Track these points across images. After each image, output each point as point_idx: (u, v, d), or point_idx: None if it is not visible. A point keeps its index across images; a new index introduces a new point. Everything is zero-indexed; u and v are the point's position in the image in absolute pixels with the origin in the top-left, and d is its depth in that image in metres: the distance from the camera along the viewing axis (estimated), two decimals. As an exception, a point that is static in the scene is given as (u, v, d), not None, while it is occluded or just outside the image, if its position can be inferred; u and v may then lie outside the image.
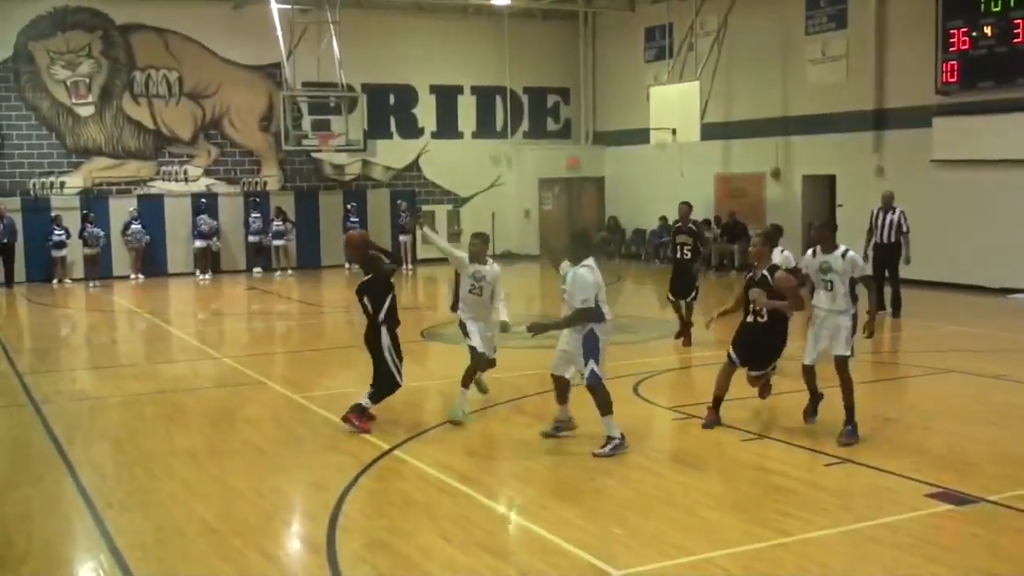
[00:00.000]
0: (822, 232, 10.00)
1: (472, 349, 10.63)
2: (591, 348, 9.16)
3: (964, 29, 21.20)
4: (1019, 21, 20.21)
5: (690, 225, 15.67)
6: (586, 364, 9.19)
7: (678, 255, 15.53)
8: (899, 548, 6.96)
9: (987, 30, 20.80)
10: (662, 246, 29.00)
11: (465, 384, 10.63)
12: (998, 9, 20.56)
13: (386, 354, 10.21)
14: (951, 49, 21.49)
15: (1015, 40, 20.30)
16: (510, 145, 32.31)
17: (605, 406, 9.23)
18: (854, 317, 9.67)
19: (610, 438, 9.23)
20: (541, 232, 31.85)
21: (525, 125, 32.88)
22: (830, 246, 9.78)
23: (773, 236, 11.50)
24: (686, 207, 15.87)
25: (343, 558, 6.87)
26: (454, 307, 11.09)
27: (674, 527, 7.43)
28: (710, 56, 25.93)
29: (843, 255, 9.64)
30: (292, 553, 7.38)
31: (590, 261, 9.30)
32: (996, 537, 7.22)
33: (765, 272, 10.07)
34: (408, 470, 8.99)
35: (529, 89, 32.69)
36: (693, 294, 15.26)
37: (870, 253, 17.67)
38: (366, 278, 10.35)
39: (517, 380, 12.33)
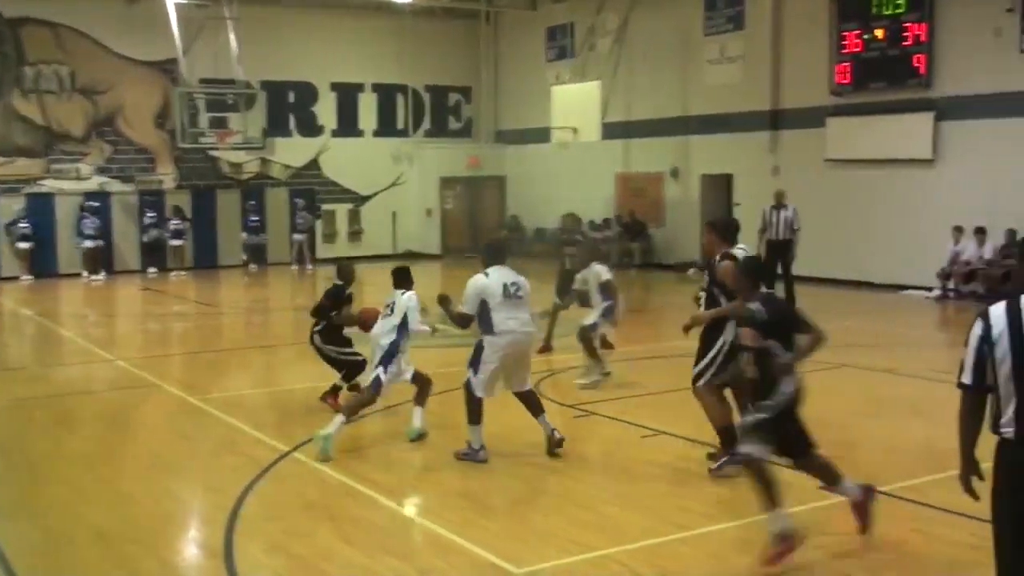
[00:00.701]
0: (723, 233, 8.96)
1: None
2: (474, 358, 8.99)
3: (857, 31, 21.71)
4: (909, 24, 20.76)
5: (576, 236, 15.88)
6: (467, 369, 9.06)
7: (566, 265, 15.54)
8: (795, 540, 7.07)
9: (879, 33, 21.33)
10: (563, 245, 29.10)
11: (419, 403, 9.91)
12: (889, 12, 21.10)
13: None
14: (844, 51, 21.99)
15: (905, 43, 20.85)
16: (411, 144, 32.16)
17: (471, 415, 9.01)
18: None
19: (470, 445, 9.04)
20: (443, 231, 31.78)
21: (427, 123, 32.77)
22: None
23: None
24: (571, 219, 16.12)
25: (241, 562, 6.75)
26: None
27: (574, 524, 7.45)
28: (611, 56, 26.16)
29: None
30: (189, 558, 7.22)
31: (491, 270, 9.10)
32: (883, 526, 7.37)
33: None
34: (306, 472, 8.87)
35: (431, 87, 32.60)
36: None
37: (763, 250, 18.08)
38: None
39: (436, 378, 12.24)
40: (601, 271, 12.45)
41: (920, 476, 8.33)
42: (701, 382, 8.58)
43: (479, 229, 32.14)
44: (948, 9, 20.30)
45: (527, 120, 30.82)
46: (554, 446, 9.21)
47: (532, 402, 9.35)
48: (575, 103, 26.14)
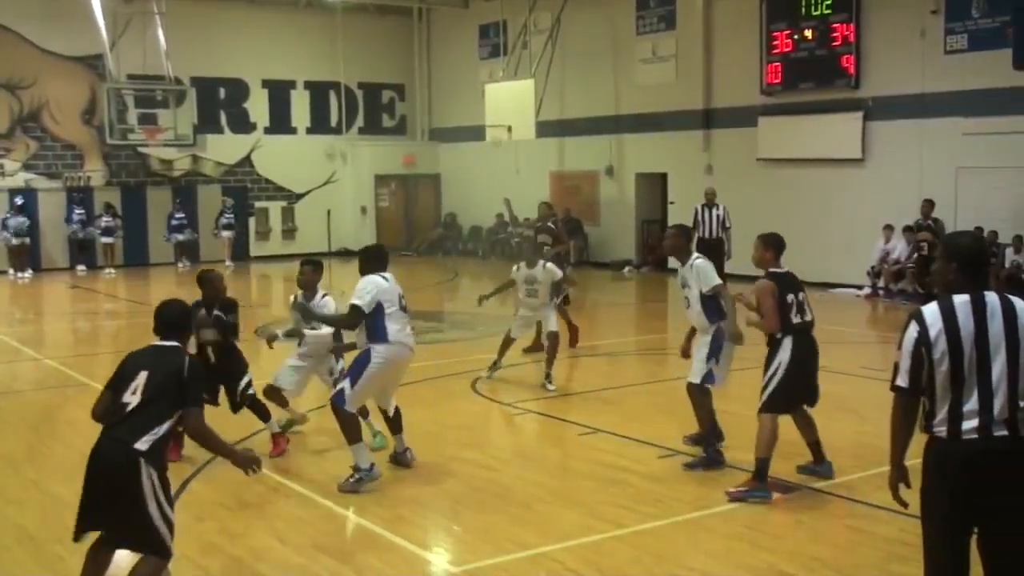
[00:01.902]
0: (675, 240, 9.02)
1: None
2: (355, 367, 8.04)
3: (787, 32, 21.97)
4: (837, 25, 21.06)
5: (549, 224, 15.68)
6: (341, 380, 8.25)
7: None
8: (729, 536, 7.14)
9: (808, 33, 21.59)
10: (498, 243, 29.19)
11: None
12: (818, 13, 21.38)
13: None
14: (774, 51, 22.24)
15: (834, 43, 21.15)
16: (345, 141, 31.95)
17: (349, 433, 8.03)
18: (716, 338, 8.65)
19: (356, 468, 8.07)
20: (377, 229, 31.62)
21: (360, 121, 32.55)
22: (685, 255, 8.95)
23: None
24: (545, 206, 16.03)
25: (175, 563, 6.63)
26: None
27: (511, 522, 7.45)
28: (544, 54, 26.18)
29: (691, 265, 8.85)
30: (119, 559, 7.09)
31: (387, 275, 8.22)
32: (819, 523, 7.50)
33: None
34: (239, 472, 8.73)
35: (364, 85, 32.39)
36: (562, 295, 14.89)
37: (694, 249, 18.17)
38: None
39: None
40: (555, 269, 12.41)
41: (851, 473, 8.43)
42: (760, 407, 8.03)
43: (414, 227, 32.07)
44: (875, 10, 20.61)
45: (461, 118, 30.76)
46: (402, 464, 8.68)
47: (395, 421, 8.64)
48: (509, 101, 26.09)
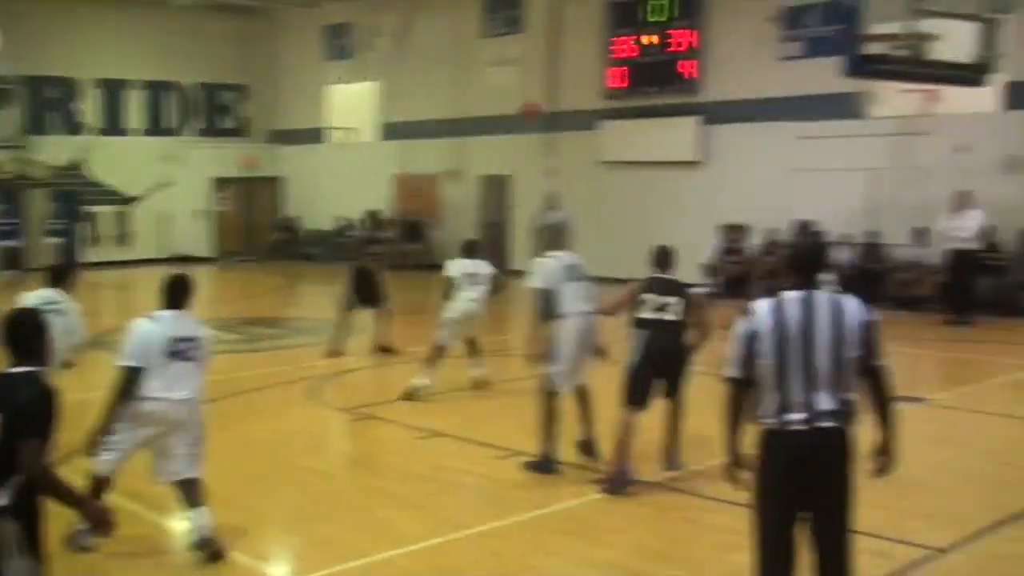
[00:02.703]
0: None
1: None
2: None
3: (629, 37, 22.32)
4: (678, 31, 21.51)
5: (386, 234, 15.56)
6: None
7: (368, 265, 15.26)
8: (569, 533, 7.16)
9: (649, 39, 21.99)
10: (340, 246, 28.85)
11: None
12: (659, 19, 21.79)
13: None
14: (617, 56, 22.57)
15: (674, 48, 21.59)
16: (183, 143, 31.05)
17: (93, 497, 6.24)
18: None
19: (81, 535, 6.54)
20: (217, 234, 30.90)
21: (199, 122, 31.73)
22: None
23: None
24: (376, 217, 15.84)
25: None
26: None
27: (351, 529, 7.32)
28: (390, 56, 26.02)
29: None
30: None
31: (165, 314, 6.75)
32: (656, 516, 7.60)
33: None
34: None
35: (203, 85, 31.56)
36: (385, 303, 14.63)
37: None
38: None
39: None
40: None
41: (687, 465, 8.55)
42: None
43: (255, 231, 31.41)
44: (714, 18, 21.12)
45: (304, 120, 30.30)
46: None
47: (189, 490, 6.88)
48: (353, 103, 25.88)
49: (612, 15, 22.64)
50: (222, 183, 31.25)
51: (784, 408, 4.66)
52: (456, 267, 11.93)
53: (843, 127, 18.79)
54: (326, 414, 11.19)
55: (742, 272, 18.92)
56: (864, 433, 4.72)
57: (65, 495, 4.55)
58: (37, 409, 4.38)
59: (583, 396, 8.85)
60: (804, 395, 4.64)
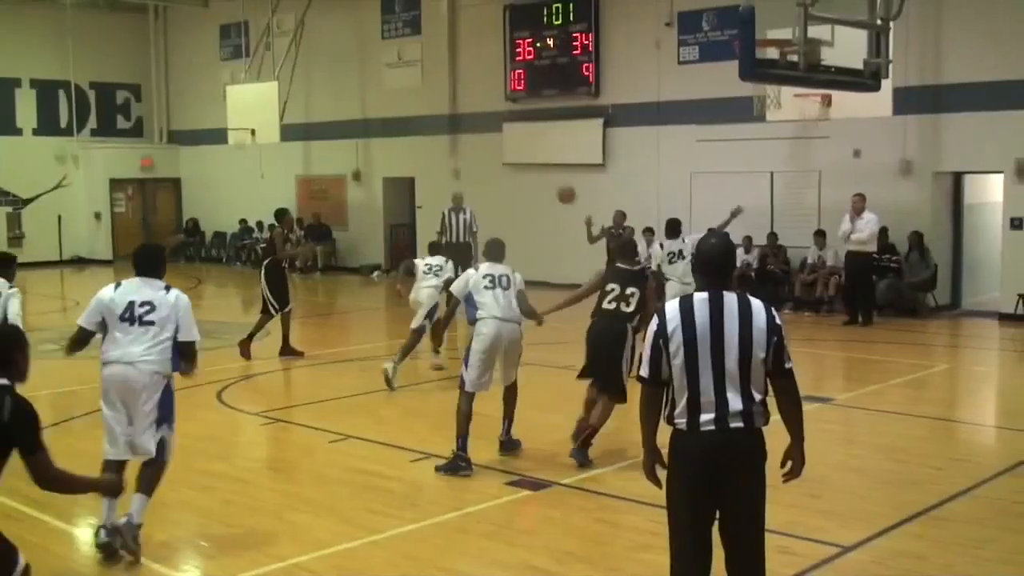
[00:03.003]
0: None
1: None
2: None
3: (529, 40, 22.46)
4: (578, 34, 21.70)
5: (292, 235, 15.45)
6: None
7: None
8: (484, 536, 7.19)
9: (550, 41, 22.16)
10: (243, 249, 28.51)
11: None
12: (559, 22, 21.97)
13: None
14: (518, 58, 22.68)
15: (575, 52, 21.78)
16: (77, 143, 30.32)
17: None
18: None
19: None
20: (113, 236, 30.26)
21: (93, 122, 30.99)
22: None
23: None
24: (276, 221, 15.72)
25: None
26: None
27: (263, 534, 7.25)
28: (288, 56, 25.73)
29: None
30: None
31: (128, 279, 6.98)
32: (569, 517, 7.66)
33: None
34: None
35: (96, 84, 30.85)
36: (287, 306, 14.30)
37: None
38: None
39: (92, 393, 11.57)
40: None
41: (602, 467, 8.65)
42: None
43: (154, 233, 30.82)
44: (613, 21, 21.37)
45: (202, 120, 29.83)
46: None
47: (142, 479, 6.88)
48: (252, 104, 25.46)
49: (513, 18, 22.75)
50: (119, 184, 30.63)
51: (694, 408, 4.70)
52: (422, 262, 13.47)
53: (742, 130, 19.14)
54: (237, 418, 11.06)
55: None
56: (773, 433, 4.82)
57: (80, 486, 5.00)
58: (23, 423, 4.48)
59: (508, 396, 9.18)
60: (714, 396, 4.68)
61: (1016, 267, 16.99)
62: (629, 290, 9.02)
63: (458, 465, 8.55)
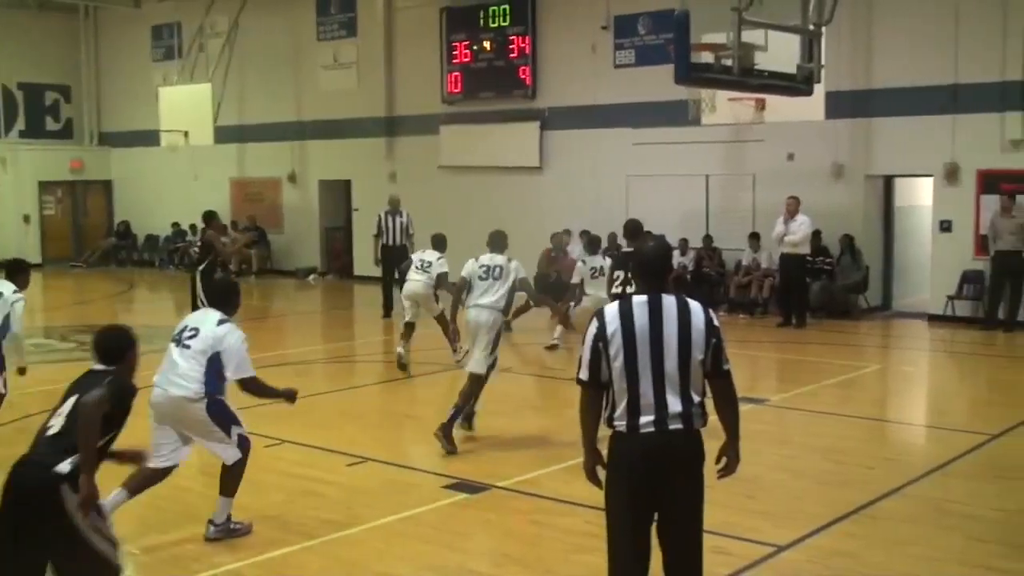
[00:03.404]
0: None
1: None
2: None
3: (466, 42, 22.43)
4: (514, 37, 21.72)
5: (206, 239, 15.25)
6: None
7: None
8: (422, 539, 7.16)
9: (487, 44, 22.15)
10: (175, 252, 28.16)
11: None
12: (496, 25, 21.97)
13: None
14: (455, 61, 22.65)
15: (511, 55, 21.80)
16: (4, 145, 29.70)
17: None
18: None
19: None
20: (43, 239, 29.72)
21: (21, 124, 30.38)
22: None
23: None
24: (204, 224, 15.61)
25: None
26: None
27: (197, 541, 7.16)
28: (221, 57, 25.48)
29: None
30: None
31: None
32: (507, 520, 7.65)
33: None
34: None
35: (24, 85, 30.23)
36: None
37: (379, 255, 18.36)
38: None
39: (21, 399, 11.32)
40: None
41: (537, 469, 8.66)
42: None
43: (84, 236, 30.37)
44: (549, 25, 21.42)
45: (134, 122, 29.37)
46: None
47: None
48: (185, 105, 25.14)
49: (449, 20, 22.72)
50: (48, 187, 30.10)
51: (634, 411, 4.72)
52: (417, 256, 14.02)
53: (677, 134, 19.28)
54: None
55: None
56: (710, 434, 4.85)
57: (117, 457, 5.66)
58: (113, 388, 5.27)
59: (466, 386, 9.66)
60: (654, 398, 4.71)
61: (945, 269, 17.29)
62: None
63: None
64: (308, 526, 7.40)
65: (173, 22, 28.04)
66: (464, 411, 9.53)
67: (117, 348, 5.65)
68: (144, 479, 7.10)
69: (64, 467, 4.98)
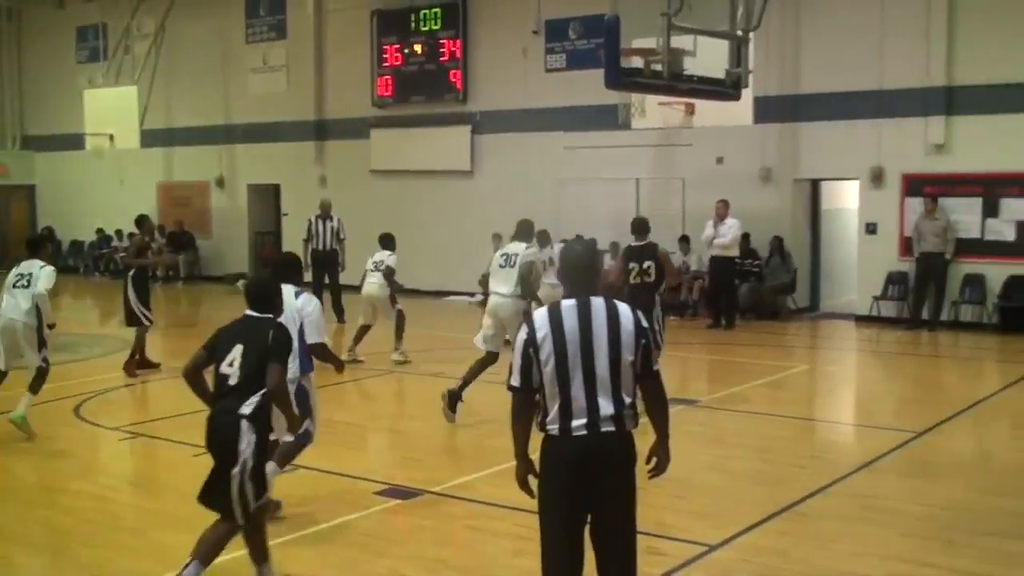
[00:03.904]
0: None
1: None
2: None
3: (397, 46, 22.37)
4: (445, 41, 21.70)
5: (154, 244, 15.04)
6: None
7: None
8: (354, 546, 7.09)
9: (417, 48, 22.10)
10: (101, 258, 27.71)
11: None
12: (427, 29, 21.93)
13: None
14: (385, 64, 22.57)
15: (442, 59, 21.77)
16: (-77, 148, 29.11)
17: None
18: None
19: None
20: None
21: (-61, 127, 29.77)
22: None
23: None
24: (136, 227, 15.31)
25: None
26: None
27: (124, 552, 7.04)
28: (148, 60, 25.14)
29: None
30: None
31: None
32: (440, 525, 7.61)
33: None
34: None
35: (-58, 87, 29.65)
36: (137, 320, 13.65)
37: (309, 260, 18.23)
38: None
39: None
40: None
41: (470, 473, 8.64)
42: None
43: (6, 242, 29.73)
44: (480, 28, 21.44)
45: (58, 125, 28.87)
46: None
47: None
48: (111, 108, 24.78)
49: (380, 23, 22.64)
50: (-33, 191, 29.49)
51: (566, 414, 4.72)
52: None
53: (608, 138, 19.41)
54: (96, 433, 10.69)
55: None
56: (641, 436, 4.87)
57: (288, 408, 6.23)
58: (280, 343, 5.98)
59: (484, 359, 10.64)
60: (585, 400, 4.71)
61: (871, 270, 17.60)
62: (645, 264, 11.05)
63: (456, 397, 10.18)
64: (237, 536, 7.29)
65: (98, 23, 27.60)
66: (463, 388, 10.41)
67: (267, 296, 6.33)
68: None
69: (246, 409, 5.83)
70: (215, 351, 6.09)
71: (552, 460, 4.80)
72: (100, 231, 28.04)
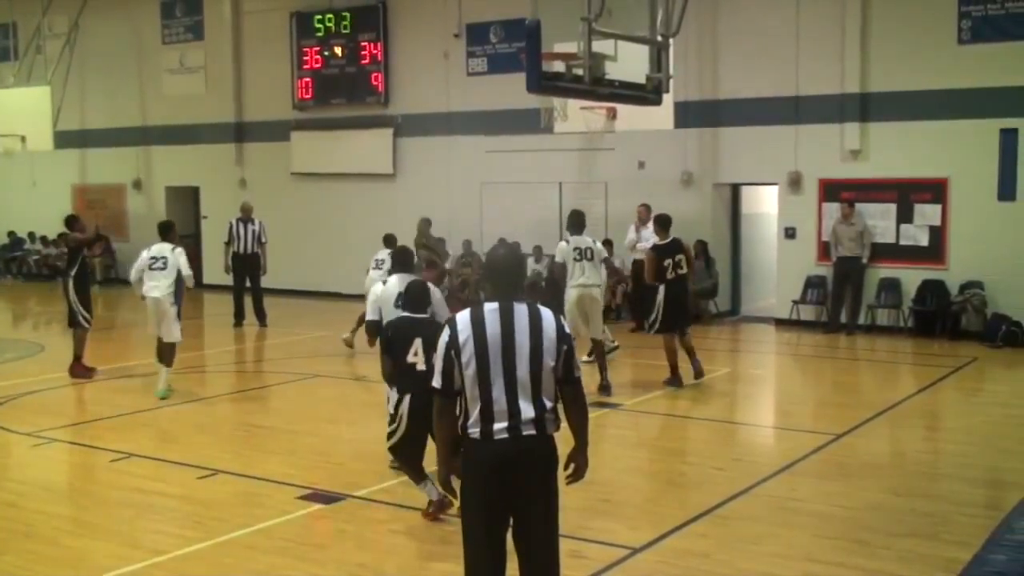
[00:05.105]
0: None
1: None
2: None
3: (316, 48, 22.17)
4: (366, 43, 21.57)
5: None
6: None
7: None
8: (274, 552, 7.00)
9: (338, 50, 21.94)
10: (12, 261, 27.08)
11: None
12: (348, 31, 21.77)
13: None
14: (305, 67, 22.37)
15: (363, 61, 21.64)
16: None
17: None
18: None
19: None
20: None
21: None
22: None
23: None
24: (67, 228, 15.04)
25: None
26: None
27: (35, 561, 6.87)
28: (61, 59, 24.58)
29: None
30: None
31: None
32: (362, 530, 7.55)
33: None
34: None
35: None
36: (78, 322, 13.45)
37: (230, 263, 18.03)
38: None
39: None
40: None
41: (394, 478, 8.55)
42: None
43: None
44: (401, 31, 21.33)
45: (-33, 126, 28.11)
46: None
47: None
48: (22, 109, 24.12)
49: (299, 25, 22.43)
50: None
51: (487, 417, 4.72)
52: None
53: (530, 142, 19.40)
54: (6, 438, 10.42)
55: (435, 282, 19.21)
56: (561, 439, 4.88)
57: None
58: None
59: (597, 349, 12.26)
60: (506, 404, 4.72)
61: (790, 274, 17.84)
62: (677, 257, 12.34)
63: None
64: (156, 541, 7.17)
65: (8, 22, 26.93)
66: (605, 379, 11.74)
67: (423, 298, 7.63)
68: None
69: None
70: (396, 348, 7.41)
71: (474, 463, 4.80)
72: (12, 234, 27.39)
